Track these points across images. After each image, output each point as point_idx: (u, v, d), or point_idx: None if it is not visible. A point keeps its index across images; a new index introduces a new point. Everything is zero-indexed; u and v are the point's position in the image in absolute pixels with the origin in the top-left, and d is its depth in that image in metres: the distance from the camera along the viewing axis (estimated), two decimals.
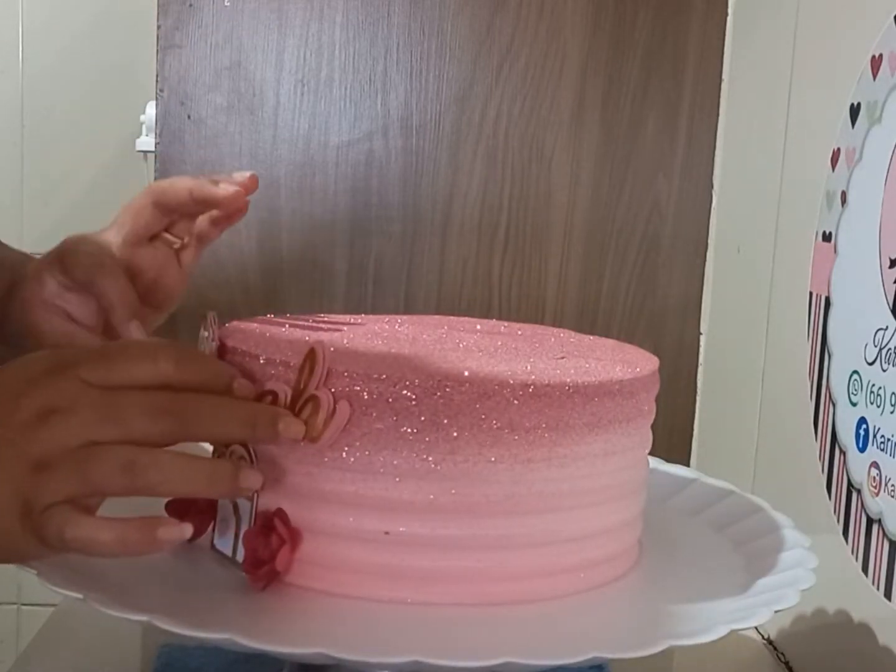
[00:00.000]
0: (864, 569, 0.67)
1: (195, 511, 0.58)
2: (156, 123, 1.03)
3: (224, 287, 1.04)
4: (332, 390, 0.54)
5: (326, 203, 1.04)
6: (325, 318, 0.73)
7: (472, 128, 1.04)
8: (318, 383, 0.54)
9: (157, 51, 1.02)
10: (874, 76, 0.69)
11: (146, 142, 1.51)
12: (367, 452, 0.54)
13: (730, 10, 1.03)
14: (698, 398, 1.07)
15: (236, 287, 1.04)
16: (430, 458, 0.54)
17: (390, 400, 0.54)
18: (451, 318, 0.76)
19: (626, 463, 0.61)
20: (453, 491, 0.55)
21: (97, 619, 0.52)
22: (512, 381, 0.55)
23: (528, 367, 0.59)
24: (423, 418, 0.54)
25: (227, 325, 0.64)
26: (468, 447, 0.54)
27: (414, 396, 0.54)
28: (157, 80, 1.02)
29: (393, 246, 1.05)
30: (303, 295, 1.04)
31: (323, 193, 1.04)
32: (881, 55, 0.68)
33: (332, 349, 0.57)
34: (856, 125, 0.71)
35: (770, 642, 0.83)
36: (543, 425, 0.55)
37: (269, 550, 0.55)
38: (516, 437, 0.55)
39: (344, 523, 0.55)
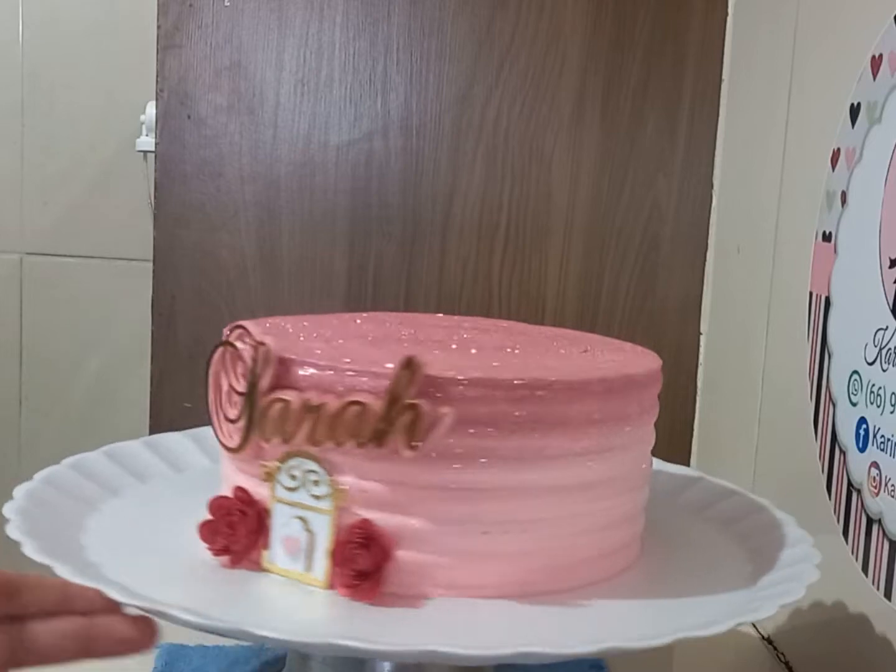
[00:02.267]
0: (864, 569, 0.67)
1: (234, 535, 0.59)
2: (156, 123, 1.03)
3: (224, 287, 1.04)
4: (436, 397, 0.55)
5: (326, 203, 1.04)
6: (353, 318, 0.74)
7: (472, 128, 1.04)
8: (417, 391, 0.54)
9: (157, 51, 1.02)
10: (874, 76, 0.69)
11: (146, 142, 1.52)
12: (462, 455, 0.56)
13: (730, 10, 1.03)
14: (698, 398, 1.07)
15: (236, 287, 1.04)
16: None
17: (485, 404, 0.56)
18: (455, 317, 0.77)
19: (639, 455, 0.64)
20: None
21: None
22: (582, 379, 0.58)
23: (573, 363, 0.62)
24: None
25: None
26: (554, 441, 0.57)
27: (515, 399, 0.56)
28: (157, 80, 1.02)
29: (393, 246, 1.05)
30: (303, 295, 1.04)
31: (323, 193, 1.04)
32: (881, 55, 0.68)
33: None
34: (856, 125, 0.71)
35: (770, 641, 0.83)
36: (596, 417, 0.59)
37: (372, 561, 0.55)
38: (593, 430, 0.58)
39: None
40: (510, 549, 0.57)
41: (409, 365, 0.54)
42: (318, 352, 0.58)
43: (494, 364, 0.60)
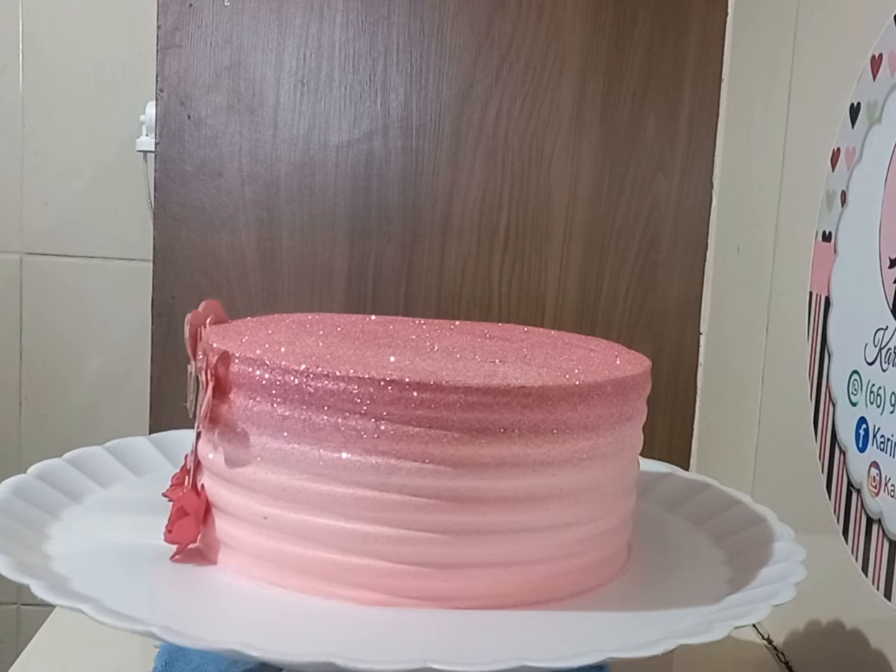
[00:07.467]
0: (864, 569, 0.67)
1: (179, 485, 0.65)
2: (156, 123, 1.03)
3: (224, 287, 1.04)
4: (214, 372, 0.58)
5: (326, 203, 1.04)
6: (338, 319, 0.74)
7: (472, 128, 1.04)
8: (204, 365, 0.58)
9: (157, 51, 1.02)
10: (874, 76, 0.69)
11: (146, 142, 1.51)
12: (258, 436, 0.57)
13: (730, 10, 1.03)
14: (698, 398, 1.07)
15: (236, 287, 1.04)
16: (323, 451, 0.55)
17: (277, 388, 0.56)
18: (473, 323, 0.76)
19: (594, 468, 0.59)
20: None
21: None
22: (408, 379, 0.53)
23: (461, 367, 0.57)
24: (321, 407, 0.55)
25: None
26: (346, 437, 0.55)
27: (308, 386, 0.55)
28: (157, 80, 1.02)
29: (393, 246, 1.04)
30: (303, 295, 1.04)
31: (323, 193, 1.04)
32: (881, 55, 0.68)
33: (219, 332, 0.62)
34: (856, 125, 0.71)
35: (770, 642, 0.83)
36: (470, 426, 0.54)
37: (171, 521, 0.60)
38: (393, 431, 0.54)
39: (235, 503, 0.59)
40: (287, 534, 0.57)
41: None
42: (217, 333, 0.63)
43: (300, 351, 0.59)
